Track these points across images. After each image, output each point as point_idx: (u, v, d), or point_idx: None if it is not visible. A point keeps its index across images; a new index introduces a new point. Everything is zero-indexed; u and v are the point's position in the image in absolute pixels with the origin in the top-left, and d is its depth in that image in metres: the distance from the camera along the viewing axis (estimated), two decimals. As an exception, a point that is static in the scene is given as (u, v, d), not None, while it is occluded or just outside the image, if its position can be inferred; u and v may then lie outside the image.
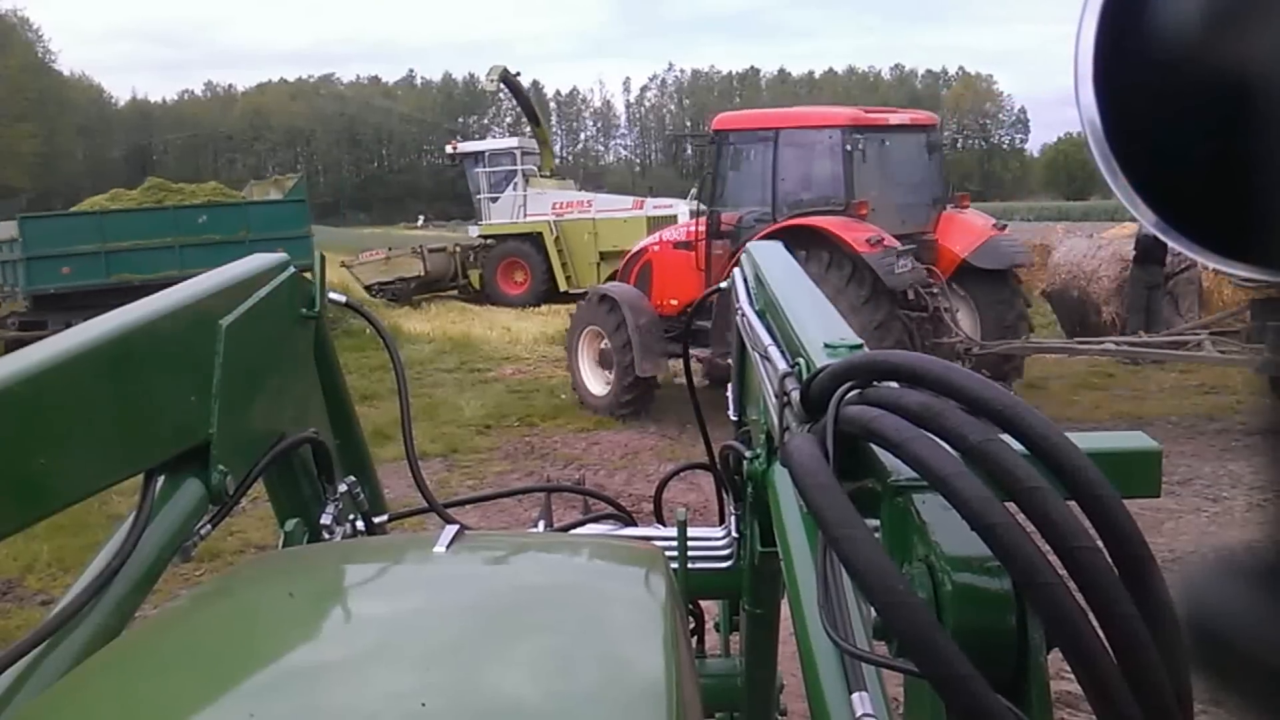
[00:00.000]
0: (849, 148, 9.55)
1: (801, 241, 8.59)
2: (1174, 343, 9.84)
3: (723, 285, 2.10)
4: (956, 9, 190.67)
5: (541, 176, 22.34)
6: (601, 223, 20.28)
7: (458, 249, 22.27)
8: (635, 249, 11.53)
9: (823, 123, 10.09)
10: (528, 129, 24.37)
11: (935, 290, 9.42)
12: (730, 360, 2.15)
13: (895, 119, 10.49)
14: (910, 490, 0.81)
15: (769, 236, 8.52)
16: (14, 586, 6.60)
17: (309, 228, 17.45)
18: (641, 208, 20.34)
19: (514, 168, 21.86)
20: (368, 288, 20.50)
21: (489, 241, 21.57)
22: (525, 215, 21.25)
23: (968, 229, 10.12)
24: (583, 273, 20.07)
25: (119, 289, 15.45)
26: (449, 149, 24.69)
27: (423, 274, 21.13)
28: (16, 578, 6.68)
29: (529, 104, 22.98)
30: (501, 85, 22.49)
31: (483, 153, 22.96)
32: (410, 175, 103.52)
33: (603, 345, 10.63)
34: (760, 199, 10.11)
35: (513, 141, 23.66)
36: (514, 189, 21.65)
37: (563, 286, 20.18)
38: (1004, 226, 10.38)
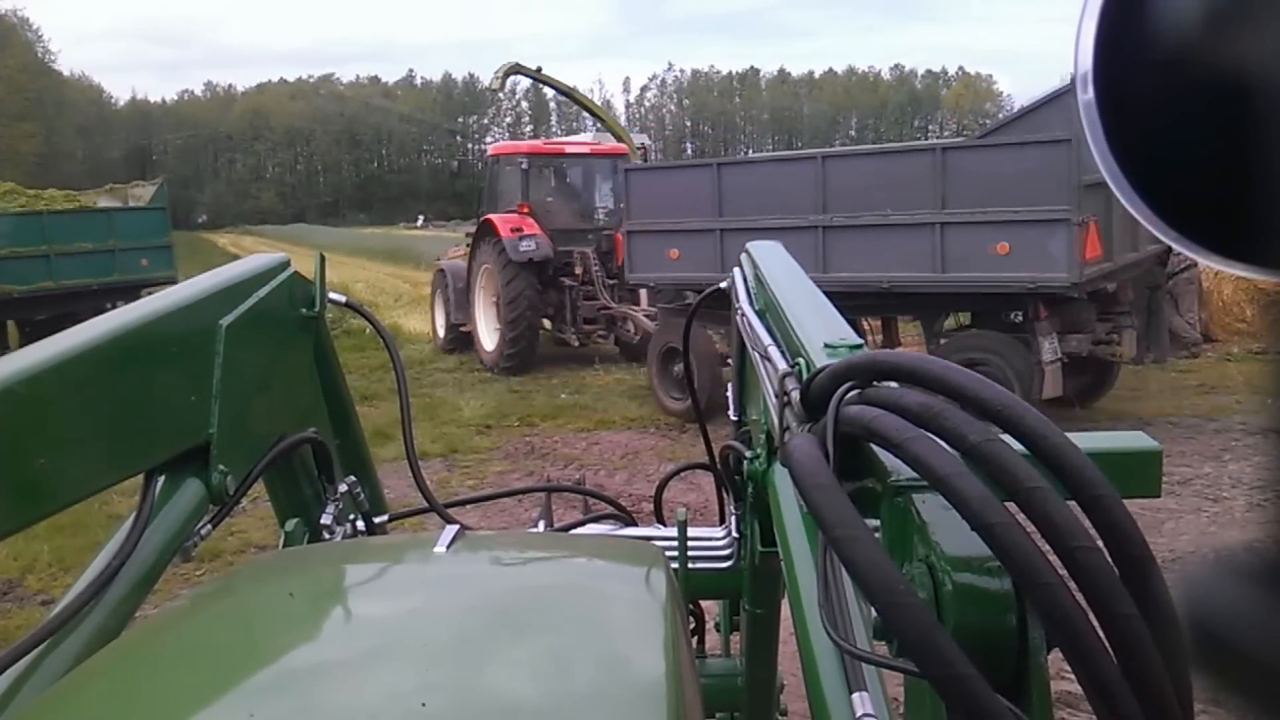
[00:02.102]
0: (524, 169, 14.17)
1: (484, 230, 13.83)
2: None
3: (722, 285, 2.09)
4: (956, 9, 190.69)
5: None
6: None
7: None
8: None
9: (514, 151, 15.12)
10: (552, 127, 23.12)
11: (595, 265, 13.68)
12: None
13: (573, 149, 15.57)
14: (910, 490, 0.81)
15: (478, 227, 14.22)
16: (14, 586, 6.60)
17: (169, 237, 16.81)
18: None
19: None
20: None
21: None
22: None
23: None
24: None
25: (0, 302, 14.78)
26: None
27: None
28: (17, 578, 6.69)
29: (574, 94, 19.91)
30: (515, 81, 21.12)
31: None
32: (410, 175, 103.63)
33: None
34: (492, 204, 14.53)
35: (586, 138, 21.84)
36: None
37: None
38: None
